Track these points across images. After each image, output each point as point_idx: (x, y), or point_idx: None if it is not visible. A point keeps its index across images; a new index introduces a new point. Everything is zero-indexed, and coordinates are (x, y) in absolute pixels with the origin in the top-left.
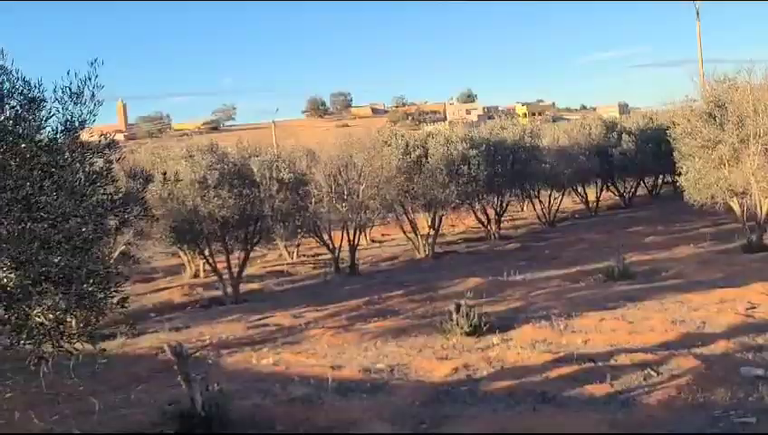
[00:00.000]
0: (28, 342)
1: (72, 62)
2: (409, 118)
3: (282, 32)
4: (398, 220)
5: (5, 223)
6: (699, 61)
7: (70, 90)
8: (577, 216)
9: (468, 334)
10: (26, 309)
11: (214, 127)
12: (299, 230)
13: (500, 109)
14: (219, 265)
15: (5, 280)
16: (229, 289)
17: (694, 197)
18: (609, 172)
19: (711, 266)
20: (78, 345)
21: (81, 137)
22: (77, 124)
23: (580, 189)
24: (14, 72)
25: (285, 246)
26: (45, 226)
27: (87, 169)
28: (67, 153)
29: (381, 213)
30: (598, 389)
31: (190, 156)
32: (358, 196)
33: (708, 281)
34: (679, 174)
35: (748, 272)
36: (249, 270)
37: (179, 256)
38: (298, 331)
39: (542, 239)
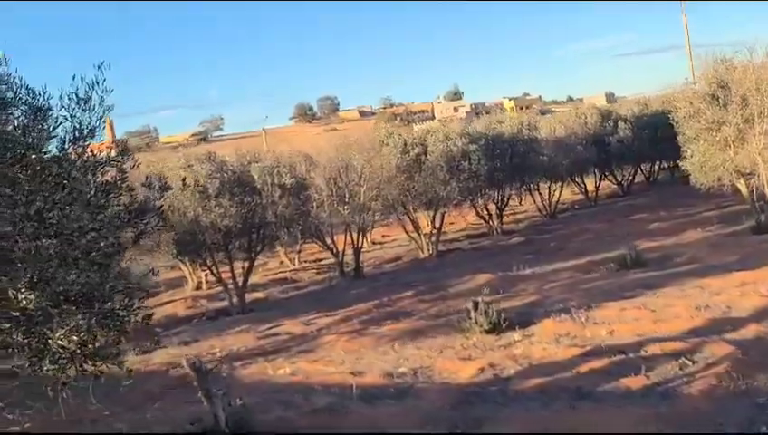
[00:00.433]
0: (50, 368)
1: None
2: (398, 119)
3: (264, 39)
4: (400, 220)
5: (20, 241)
6: (687, 46)
7: (77, 96)
8: (577, 206)
9: (488, 332)
10: (47, 332)
11: (202, 138)
12: (302, 236)
13: (487, 105)
14: (223, 276)
15: (25, 301)
16: (235, 299)
17: (700, 180)
18: (606, 161)
19: (723, 250)
20: (103, 367)
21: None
22: (86, 132)
23: (578, 180)
24: (17, 81)
25: (286, 253)
26: (61, 241)
27: (99, 180)
28: (79, 163)
29: (384, 214)
30: (634, 382)
31: (189, 165)
32: (359, 198)
33: (723, 265)
34: (683, 158)
35: (762, 253)
36: (252, 279)
37: (180, 269)
38: (311, 338)
39: (545, 232)
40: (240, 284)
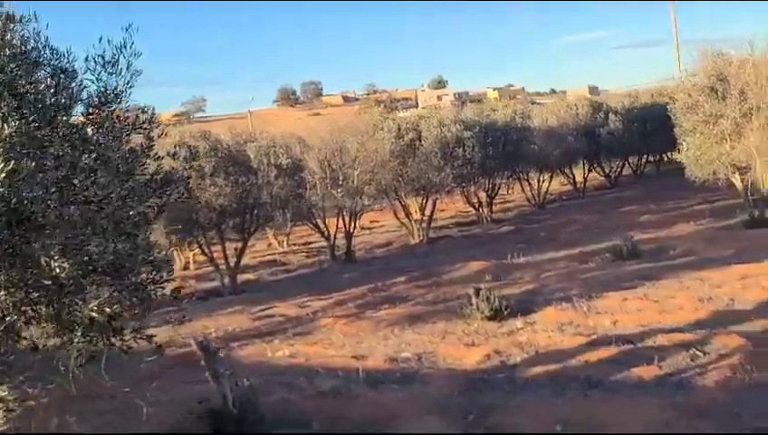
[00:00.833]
0: (81, 340)
1: None
2: (381, 105)
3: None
4: (391, 206)
5: (51, 206)
6: (675, 40)
7: (103, 58)
8: (564, 197)
9: (489, 319)
10: (79, 303)
11: (185, 119)
12: (295, 218)
13: (470, 94)
14: (214, 256)
15: (57, 269)
16: (226, 280)
17: (695, 173)
18: (596, 152)
19: (718, 243)
20: (131, 342)
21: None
22: (112, 97)
23: (567, 171)
24: (43, 39)
25: (275, 235)
26: (89, 208)
27: (126, 147)
28: (107, 126)
29: (376, 199)
30: (645, 371)
31: (183, 143)
32: (353, 181)
33: (720, 258)
34: (679, 150)
35: (758, 247)
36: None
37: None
38: (307, 321)
39: (535, 221)
40: (233, 264)
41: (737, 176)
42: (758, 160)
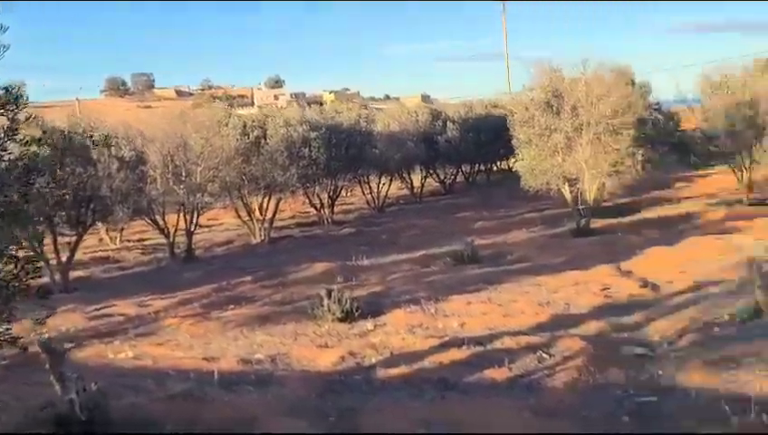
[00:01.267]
0: None
1: None
2: (216, 101)
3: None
4: (233, 204)
5: None
6: (506, 56)
7: None
8: (402, 201)
9: (340, 320)
10: None
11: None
12: (135, 213)
13: (307, 95)
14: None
15: None
16: (57, 276)
17: (530, 182)
18: (433, 159)
19: (551, 250)
20: None
21: None
22: None
23: (405, 175)
24: None
25: (107, 231)
26: None
27: None
28: None
29: (220, 196)
30: (497, 373)
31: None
32: (196, 177)
33: (553, 264)
34: (516, 160)
35: (587, 255)
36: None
37: None
38: (150, 321)
39: (375, 224)
40: (65, 260)
41: (567, 187)
42: (586, 173)
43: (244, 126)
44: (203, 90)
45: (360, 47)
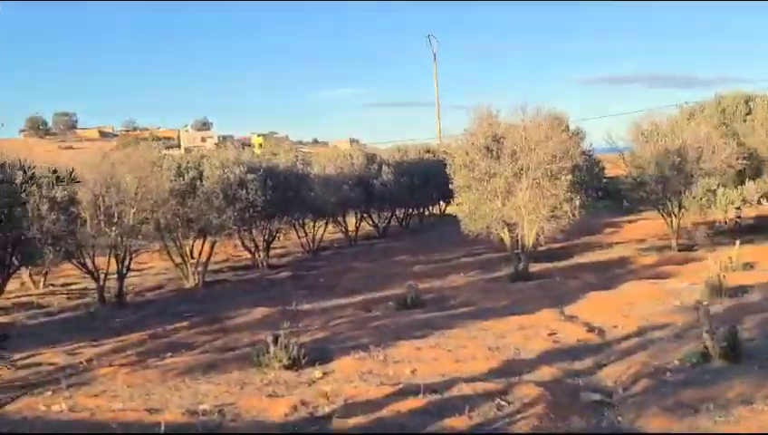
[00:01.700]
0: None
1: None
2: (141, 143)
3: None
4: (165, 247)
5: None
6: (436, 101)
7: None
8: (336, 245)
9: (286, 368)
10: None
11: None
12: (65, 256)
13: (236, 138)
14: None
15: None
16: None
17: (469, 227)
18: (368, 202)
19: (493, 294)
20: None
21: None
22: None
23: (340, 219)
24: None
25: (30, 275)
26: None
27: None
28: None
29: (153, 238)
30: (457, 422)
31: None
32: (129, 219)
33: (497, 308)
34: (457, 205)
35: (529, 299)
36: None
37: None
38: (82, 370)
39: (312, 268)
40: None
41: (506, 231)
42: (525, 218)
43: (179, 167)
44: (127, 131)
45: (288, 91)
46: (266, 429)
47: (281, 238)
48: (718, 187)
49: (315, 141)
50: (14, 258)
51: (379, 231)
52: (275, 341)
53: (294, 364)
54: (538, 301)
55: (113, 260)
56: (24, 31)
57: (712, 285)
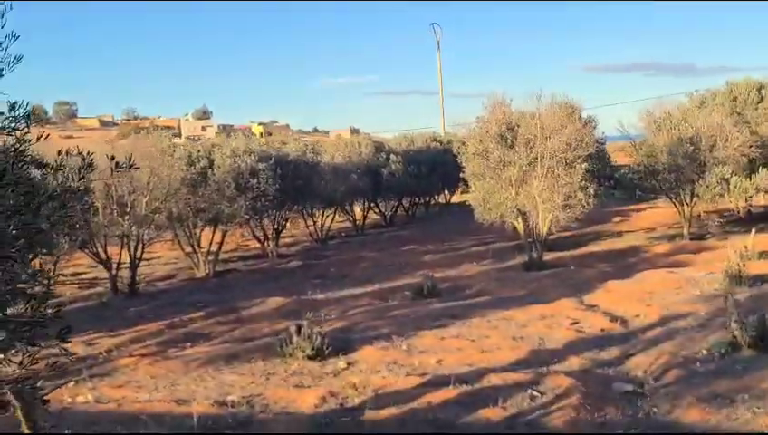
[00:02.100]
0: None
1: None
2: (142, 132)
3: None
4: (176, 236)
5: None
6: (440, 90)
7: None
8: (343, 234)
9: (310, 358)
10: None
11: None
12: (78, 246)
13: (236, 127)
14: None
15: None
16: None
17: (483, 216)
18: (376, 191)
19: (509, 283)
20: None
21: None
22: None
23: (347, 208)
24: None
25: (40, 264)
26: None
27: None
28: None
29: (167, 228)
30: (492, 413)
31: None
32: (141, 209)
33: (515, 297)
34: (470, 192)
35: (545, 288)
36: None
37: None
38: (103, 361)
39: (322, 257)
40: None
41: (520, 220)
42: (540, 206)
43: (190, 156)
44: (128, 120)
45: (288, 80)
46: (297, 420)
47: (288, 228)
48: (732, 175)
49: (315, 130)
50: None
51: (386, 220)
52: (299, 331)
53: (318, 354)
54: (555, 290)
55: (124, 250)
56: (23, 21)
57: (731, 274)
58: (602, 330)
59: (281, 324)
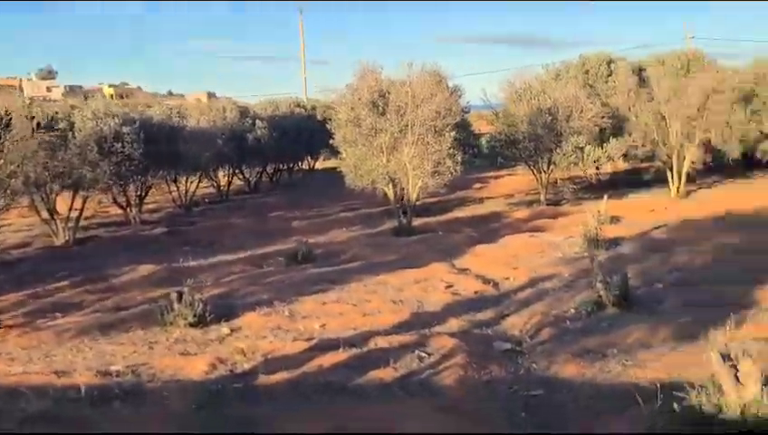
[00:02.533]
0: None
1: None
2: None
3: None
4: (32, 202)
5: None
6: (302, 56)
7: None
8: (207, 200)
9: (192, 325)
10: None
11: None
12: None
13: (84, 89)
14: None
15: None
16: None
17: (355, 182)
18: (241, 157)
19: (381, 249)
20: None
21: None
22: None
23: (211, 173)
24: None
25: None
26: None
27: None
28: None
29: (24, 193)
30: (383, 374)
31: None
32: None
33: (389, 262)
34: (340, 159)
35: (417, 253)
36: None
37: None
38: None
39: (187, 224)
40: None
41: (390, 186)
42: (410, 173)
43: (51, 118)
44: None
45: (139, 41)
46: (188, 387)
47: (152, 194)
48: (586, 144)
49: (170, 94)
50: None
51: (250, 186)
52: (180, 298)
53: (200, 322)
54: (427, 255)
55: None
56: None
57: (590, 237)
58: (476, 292)
59: (154, 292)
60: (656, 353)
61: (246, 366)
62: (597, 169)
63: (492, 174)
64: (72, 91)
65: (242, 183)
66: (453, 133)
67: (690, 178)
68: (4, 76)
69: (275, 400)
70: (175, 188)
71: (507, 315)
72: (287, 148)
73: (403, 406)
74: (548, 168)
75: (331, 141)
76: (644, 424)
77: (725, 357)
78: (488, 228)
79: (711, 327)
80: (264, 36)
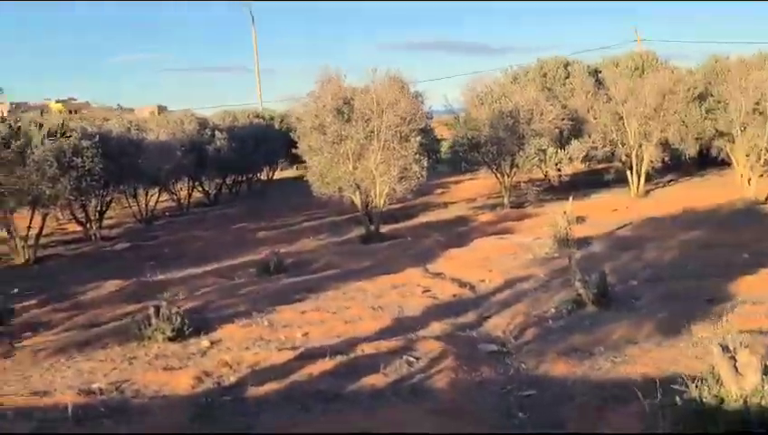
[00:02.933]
0: None
1: None
2: None
3: None
4: None
5: None
6: (256, 66)
7: None
8: (167, 214)
9: (171, 340)
10: None
11: None
12: None
13: (31, 105)
14: None
15: None
16: None
17: (321, 190)
18: (200, 169)
19: (353, 256)
20: None
21: None
22: None
23: (171, 187)
24: None
25: None
26: None
27: None
28: None
29: None
30: (374, 380)
31: None
32: None
33: (362, 269)
34: (306, 168)
35: (389, 259)
36: None
37: None
38: None
39: (149, 238)
40: None
41: (357, 193)
42: (377, 179)
43: (11, 128)
44: None
45: (84, 56)
46: (176, 403)
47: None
48: (548, 146)
49: (120, 107)
50: None
51: (210, 198)
52: (157, 312)
53: (179, 335)
54: (400, 260)
55: None
56: None
57: (559, 237)
58: (454, 296)
59: (125, 308)
60: (642, 349)
61: (233, 378)
62: (558, 170)
63: (453, 179)
64: (18, 107)
65: (201, 195)
66: (418, 139)
67: (648, 177)
68: None
69: (267, 411)
70: (134, 203)
71: (488, 317)
72: (246, 159)
73: (399, 411)
74: (511, 170)
75: (294, 150)
76: (647, 419)
77: (724, 348)
78: (456, 232)
79: (691, 321)
80: (214, 47)
